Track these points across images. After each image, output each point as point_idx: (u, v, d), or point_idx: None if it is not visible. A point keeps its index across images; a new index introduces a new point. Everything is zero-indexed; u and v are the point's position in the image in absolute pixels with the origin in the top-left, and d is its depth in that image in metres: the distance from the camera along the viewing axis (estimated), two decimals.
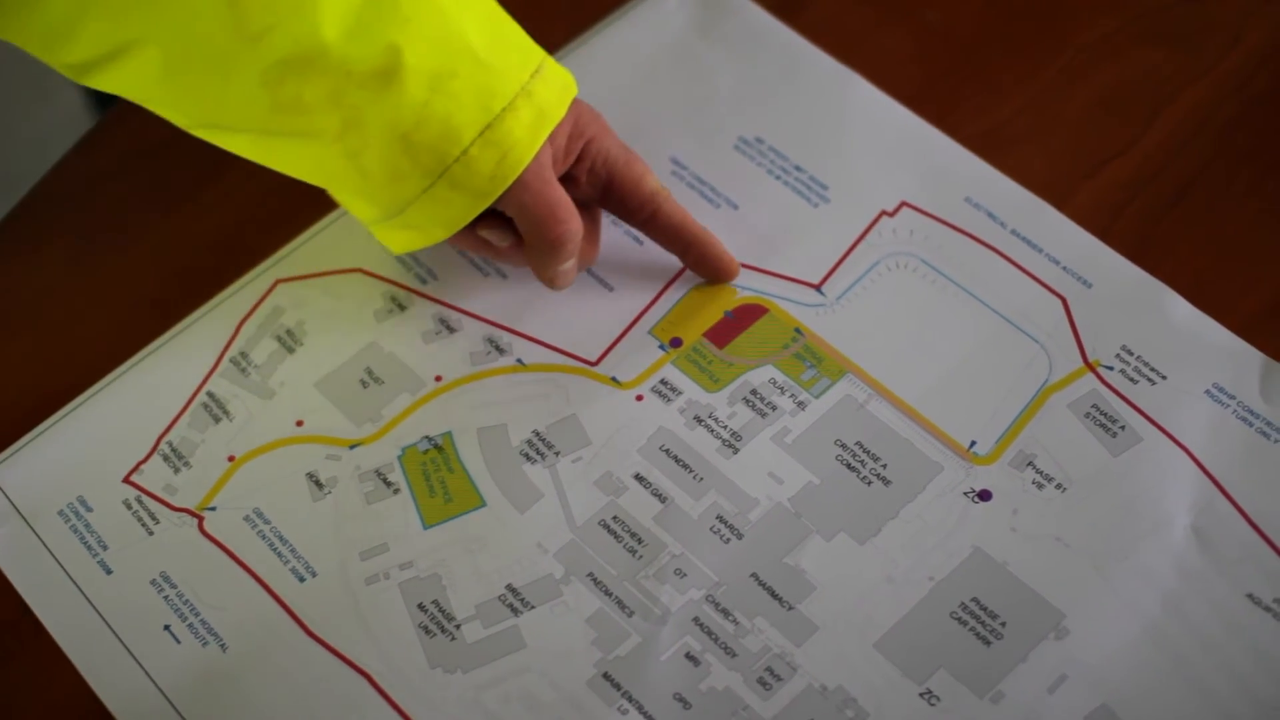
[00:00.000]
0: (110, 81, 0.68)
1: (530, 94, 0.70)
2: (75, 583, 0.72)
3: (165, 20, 0.65)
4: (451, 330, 0.78)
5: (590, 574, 0.70)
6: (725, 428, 0.74)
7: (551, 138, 0.72)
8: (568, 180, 0.75)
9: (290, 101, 0.67)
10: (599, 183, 0.76)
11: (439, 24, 0.68)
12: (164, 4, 0.65)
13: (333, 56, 0.66)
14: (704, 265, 0.77)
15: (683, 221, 0.77)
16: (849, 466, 0.72)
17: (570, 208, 0.73)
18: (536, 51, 0.72)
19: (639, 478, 0.73)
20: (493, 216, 0.74)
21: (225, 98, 0.68)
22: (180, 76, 0.67)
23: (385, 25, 0.67)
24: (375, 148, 0.69)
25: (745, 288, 0.77)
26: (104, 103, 1.31)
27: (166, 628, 0.71)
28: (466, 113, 0.69)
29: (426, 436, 0.75)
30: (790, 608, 0.69)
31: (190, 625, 0.71)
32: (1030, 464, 0.72)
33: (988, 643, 0.67)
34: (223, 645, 0.70)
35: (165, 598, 0.71)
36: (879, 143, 0.82)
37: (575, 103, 0.74)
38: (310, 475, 0.74)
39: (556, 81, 0.72)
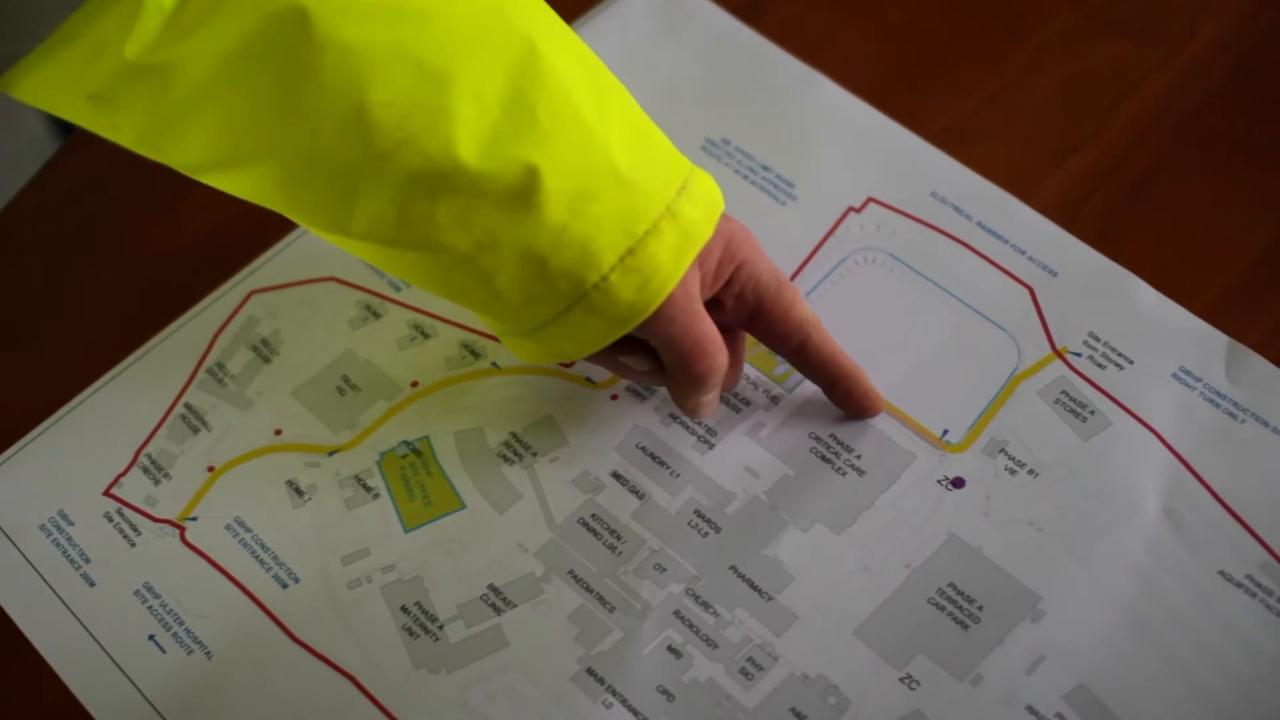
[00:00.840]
0: (222, 182, 0.66)
1: (675, 214, 0.66)
2: (59, 596, 0.73)
3: (287, 132, 0.62)
4: (426, 336, 0.79)
5: (571, 571, 0.71)
6: (700, 424, 0.75)
7: (701, 260, 0.69)
8: (713, 304, 0.71)
9: (420, 219, 0.64)
10: (746, 309, 0.72)
11: (580, 141, 0.64)
12: (287, 116, 0.62)
13: (466, 175, 0.63)
14: (850, 401, 0.74)
15: (832, 354, 0.73)
16: (823, 458, 0.73)
17: (718, 341, 0.69)
18: (683, 163, 0.68)
19: (616, 475, 0.74)
20: (633, 341, 0.70)
21: (350, 210, 0.64)
22: (301, 189, 0.65)
23: (523, 143, 0.63)
24: (508, 270, 0.65)
25: None
26: (69, 127, 1.31)
27: (151, 638, 0.71)
28: (607, 236, 0.65)
29: (404, 441, 0.75)
30: (769, 598, 0.70)
31: (175, 634, 0.71)
32: (1002, 450, 0.73)
33: (965, 627, 0.68)
34: (208, 653, 0.71)
35: (149, 608, 0.72)
36: (844, 141, 0.83)
37: (726, 220, 0.70)
38: (290, 483, 0.75)
39: (703, 198, 0.68)
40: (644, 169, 0.66)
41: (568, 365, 0.77)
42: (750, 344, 0.75)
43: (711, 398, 0.71)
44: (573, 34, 0.67)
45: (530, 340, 0.69)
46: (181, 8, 0.59)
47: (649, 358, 0.71)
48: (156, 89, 0.61)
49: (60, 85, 0.62)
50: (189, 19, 0.59)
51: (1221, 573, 0.69)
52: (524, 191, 0.63)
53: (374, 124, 0.61)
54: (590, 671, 0.69)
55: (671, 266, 0.66)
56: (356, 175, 0.63)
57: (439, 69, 0.61)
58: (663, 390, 0.75)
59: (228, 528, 0.74)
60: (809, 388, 0.75)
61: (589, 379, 0.76)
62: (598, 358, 0.72)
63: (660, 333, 0.68)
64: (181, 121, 0.62)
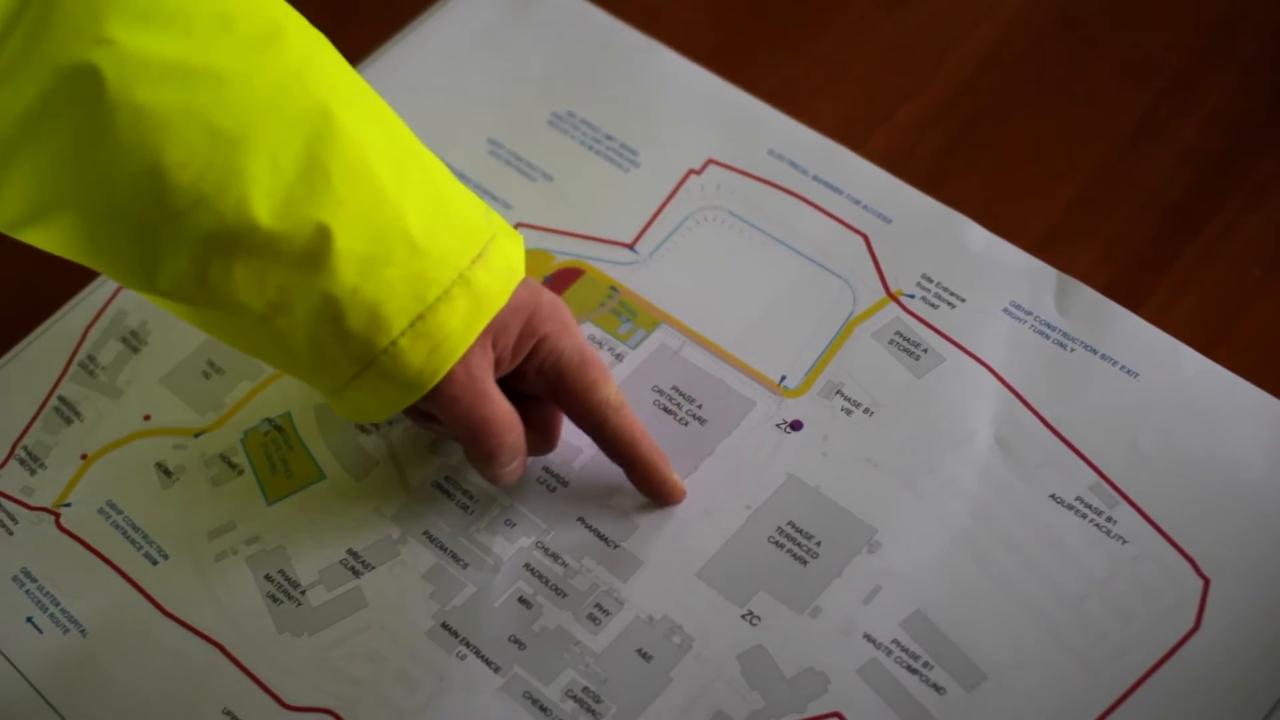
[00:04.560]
0: (37, 239, 0.66)
1: (469, 282, 0.66)
2: None
3: (85, 188, 0.63)
4: None
5: (426, 532, 0.74)
6: None
7: (495, 338, 0.69)
8: (517, 376, 0.71)
9: (218, 278, 0.64)
10: (547, 383, 0.71)
11: (374, 205, 0.64)
12: (84, 172, 0.63)
13: (260, 235, 0.63)
14: (646, 486, 0.73)
15: (630, 439, 0.72)
16: (666, 410, 0.76)
17: (505, 421, 0.69)
18: (485, 229, 0.68)
19: None
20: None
21: (152, 267, 0.65)
22: (104, 243, 0.65)
23: (317, 205, 0.63)
24: (302, 331, 0.66)
25: (562, 252, 0.81)
26: None
27: (29, 620, 0.74)
28: (397, 301, 0.65)
29: (267, 419, 0.78)
30: (615, 546, 0.72)
31: (51, 615, 0.74)
32: (839, 392, 0.75)
33: (804, 562, 0.71)
34: (83, 631, 0.73)
35: (27, 592, 0.75)
36: (684, 106, 0.86)
37: (535, 293, 0.70)
38: (159, 465, 0.78)
39: (501, 266, 0.68)
40: (439, 236, 0.66)
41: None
42: (593, 307, 0.78)
43: (511, 469, 0.72)
44: (377, 99, 0.68)
45: (338, 400, 0.70)
46: None
47: None
48: None
49: None
50: None
51: (1052, 496, 0.71)
52: (316, 253, 0.64)
53: (169, 184, 0.62)
54: (445, 626, 0.71)
55: (462, 333, 0.67)
56: (155, 233, 0.64)
57: (233, 132, 0.62)
58: None
59: (100, 511, 0.77)
60: (651, 344, 0.78)
61: None
62: (414, 420, 0.73)
63: (444, 413, 0.69)
64: None
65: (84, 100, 0.61)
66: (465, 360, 0.67)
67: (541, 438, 0.74)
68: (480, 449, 0.70)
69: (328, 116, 0.64)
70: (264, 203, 0.63)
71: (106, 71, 0.61)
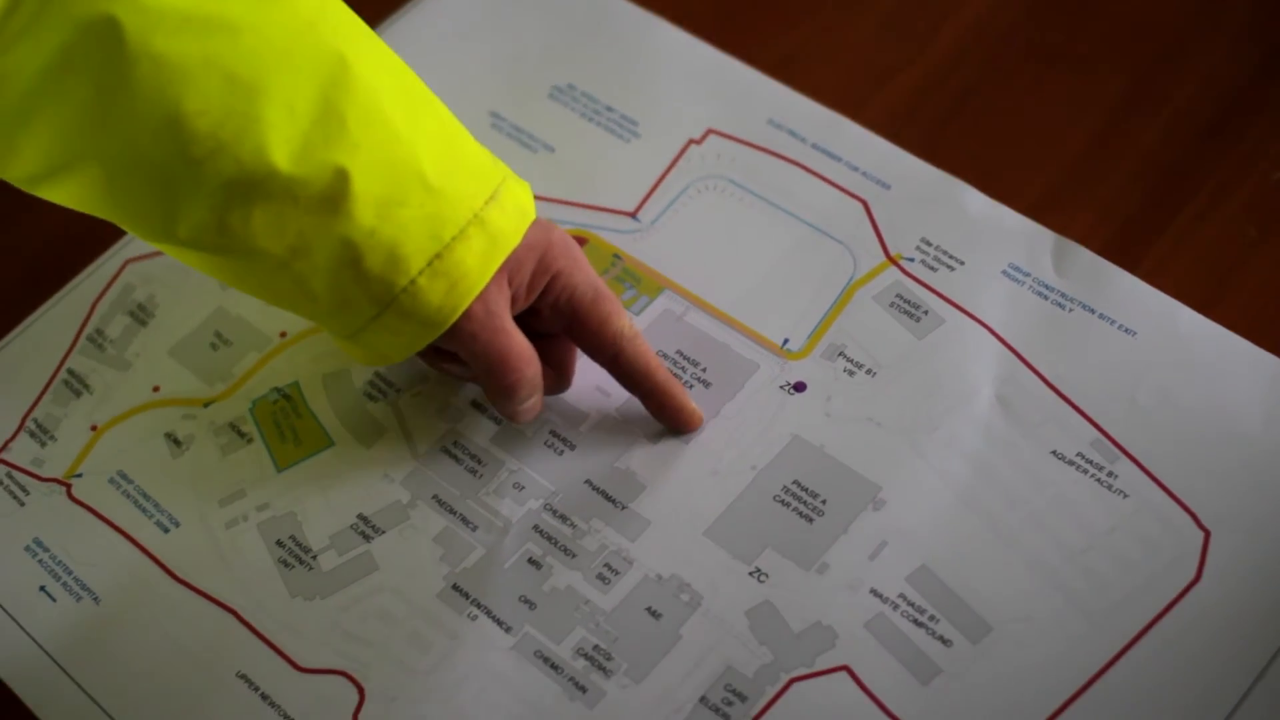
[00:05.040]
0: (57, 194, 0.68)
1: (483, 222, 0.68)
2: None
3: (106, 139, 0.64)
4: None
5: (435, 496, 0.75)
6: None
7: (511, 275, 0.70)
8: (532, 313, 0.73)
9: (238, 225, 0.66)
10: (563, 319, 0.73)
11: (389, 148, 0.66)
12: (106, 123, 0.64)
13: (279, 181, 0.65)
14: (664, 414, 0.75)
15: (646, 368, 0.74)
16: (671, 374, 0.76)
17: (524, 355, 0.71)
18: (495, 173, 0.70)
19: (475, 404, 0.77)
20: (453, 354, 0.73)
21: (172, 217, 0.66)
22: (124, 194, 0.67)
23: (333, 149, 0.65)
24: (322, 274, 0.68)
25: (565, 221, 0.82)
26: None
27: (42, 588, 0.75)
28: (415, 242, 0.67)
29: (275, 388, 0.79)
30: (623, 507, 0.73)
31: (64, 584, 0.74)
32: (841, 354, 0.76)
33: (810, 520, 0.72)
34: (96, 598, 0.74)
35: (39, 561, 0.75)
36: (683, 77, 0.87)
37: (546, 230, 0.72)
38: (169, 435, 0.78)
39: (513, 208, 0.70)
40: (453, 178, 0.68)
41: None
42: (598, 272, 0.79)
43: (529, 405, 0.73)
44: (387, 50, 0.69)
45: (355, 344, 0.71)
46: (3, 24, 0.62)
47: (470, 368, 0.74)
48: None
49: None
50: (10, 34, 0.62)
51: (1054, 452, 0.72)
52: (334, 196, 0.65)
53: (188, 132, 0.64)
54: (456, 587, 0.72)
55: (479, 271, 0.68)
56: (175, 182, 0.65)
57: (250, 80, 0.64)
58: None
59: (111, 481, 0.77)
60: (654, 310, 0.78)
61: None
62: (430, 363, 0.75)
63: (464, 349, 0.71)
64: (12, 132, 0.65)
65: (104, 52, 0.62)
66: (483, 297, 0.69)
67: (557, 375, 0.75)
68: (500, 383, 0.71)
69: (342, 63, 0.65)
70: (282, 148, 0.64)
71: (125, 22, 0.62)
